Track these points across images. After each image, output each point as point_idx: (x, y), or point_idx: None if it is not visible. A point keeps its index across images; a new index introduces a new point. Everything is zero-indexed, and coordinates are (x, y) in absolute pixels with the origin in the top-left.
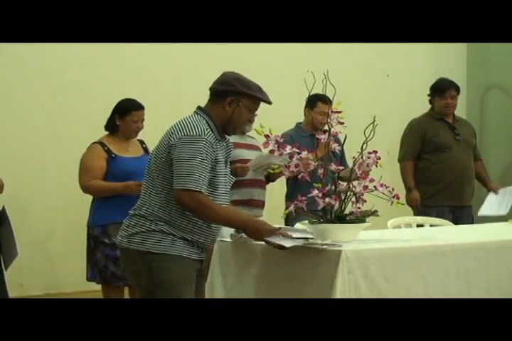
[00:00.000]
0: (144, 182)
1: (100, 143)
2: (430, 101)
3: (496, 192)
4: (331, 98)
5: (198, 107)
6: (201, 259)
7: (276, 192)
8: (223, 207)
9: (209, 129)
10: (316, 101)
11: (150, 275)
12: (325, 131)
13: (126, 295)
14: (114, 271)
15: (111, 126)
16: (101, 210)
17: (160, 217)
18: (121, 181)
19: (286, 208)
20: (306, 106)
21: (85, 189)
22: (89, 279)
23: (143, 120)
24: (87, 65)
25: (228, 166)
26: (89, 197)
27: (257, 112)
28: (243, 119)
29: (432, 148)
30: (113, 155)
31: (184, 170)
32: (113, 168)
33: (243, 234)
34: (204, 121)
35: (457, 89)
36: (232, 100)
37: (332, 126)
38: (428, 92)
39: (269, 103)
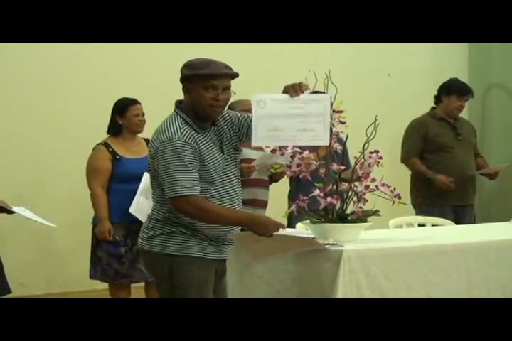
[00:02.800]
0: (151, 187)
1: (105, 143)
2: (437, 100)
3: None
4: (333, 98)
5: (175, 103)
6: (224, 259)
7: (279, 192)
8: (223, 207)
9: (184, 125)
10: None
11: (170, 277)
12: None
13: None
14: (117, 268)
15: (114, 128)
16: None
17: (175, 221)
18: (125, 183)
19: (289, 208)
20: None
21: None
22: (91, 277)
23: (143, 114)
24: (93, 66)
25: (232, 148)
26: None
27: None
28: (203, 100)
29: (434, 148)
30: (117, 157)
31: (168, 178)
32: (118, 170)
33: None
34: (180, 119)
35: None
36: (188, 87)
37: (334, 125)
38: (428, 91)
39: (220, 75)
